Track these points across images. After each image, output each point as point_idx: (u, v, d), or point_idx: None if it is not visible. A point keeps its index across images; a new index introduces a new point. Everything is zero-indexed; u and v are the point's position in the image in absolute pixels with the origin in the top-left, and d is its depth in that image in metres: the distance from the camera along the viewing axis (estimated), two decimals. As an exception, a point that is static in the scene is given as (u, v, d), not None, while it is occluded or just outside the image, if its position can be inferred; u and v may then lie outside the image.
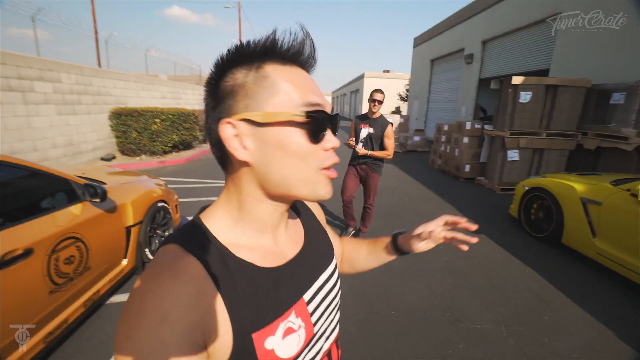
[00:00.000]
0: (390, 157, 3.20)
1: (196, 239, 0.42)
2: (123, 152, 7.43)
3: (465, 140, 6.61)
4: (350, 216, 3.54)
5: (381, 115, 3.25)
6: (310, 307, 0.49)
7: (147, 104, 8.59)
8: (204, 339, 0.37)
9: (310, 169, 0.42)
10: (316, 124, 0.41)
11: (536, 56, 8.29)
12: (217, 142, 0.43)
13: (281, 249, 0.49)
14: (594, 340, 2.13)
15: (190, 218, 0.47)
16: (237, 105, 0.41)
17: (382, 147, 3.22)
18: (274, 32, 0.41)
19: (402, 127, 10.74)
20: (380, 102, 3.15)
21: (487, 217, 4.58)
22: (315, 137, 0.42)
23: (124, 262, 2.50)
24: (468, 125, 6.61)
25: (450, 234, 0.63)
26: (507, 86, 5.69)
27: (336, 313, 0.57)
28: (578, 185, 3.32)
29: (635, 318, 2.37)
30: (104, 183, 2.54)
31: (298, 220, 0.57)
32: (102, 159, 6.96)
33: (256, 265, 0.44)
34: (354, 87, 36.20)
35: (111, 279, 2.32)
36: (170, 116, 7.63)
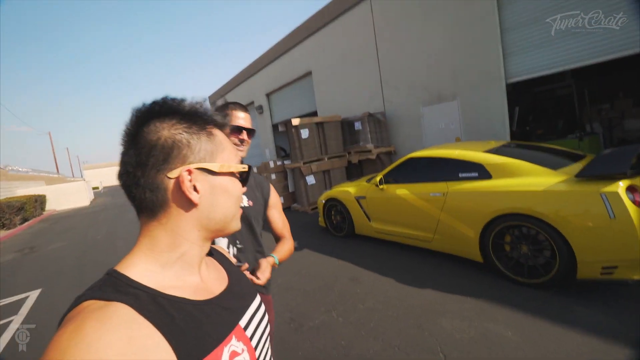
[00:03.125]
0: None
1: (116, 288, 0.41)
2: None
3: (273, 176, 7.62)
4: None
5: None
6: (248, 332, 0.54)
7: None
8: None
9: (238, 206, 0.55)
10: (246, 174, 0.56)
11: (307, 101, 10.73)
12: (157, 188, 0.46)
13: (207, 285, 0.52)
14: (390, 291, 3.02)
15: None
16: (192, 156, 0.48)
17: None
18: (224, 105, 0.50)
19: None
20: (253, 133, 1.34)
21: (304, 233, 5.45)
22: (244, 183, 0.56)
23: None
24: (272, 164, 7.66)
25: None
26: (290, 127, 7.10)
27: (268, 338, 0.62)
28: (351, 188, 4.58)
29: (415, 271, 3.53)
30: None
31: (214, 260, 0.62)
32: None
33: (188, 299, 0.46)
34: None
35: None
36: None
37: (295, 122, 6.94)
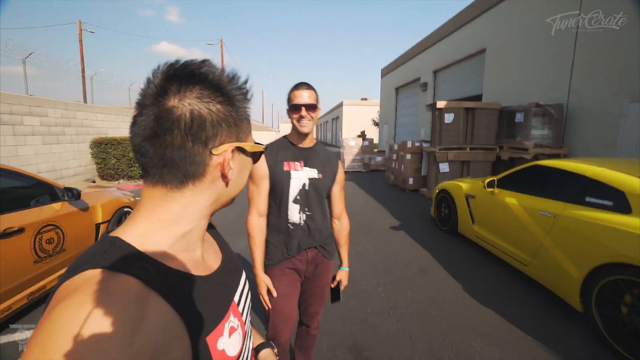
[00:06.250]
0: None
1: (123, 258, 0.39)
2: (102, 177, 8.10)
3: (408, 156, 7.59)
4: None
5: (318, 141, 1.54)
6: (240, 308, 0.55)
7: (128, 134, 9.40)
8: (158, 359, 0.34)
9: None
10: (259, 155, 0.56)
11: (474, 82, 9.58)
12: (197, 161, 0.44)
13: (206, 260, 0.52)
14: (447, 293, 2.91)
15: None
16: (230, 134, 0.47)
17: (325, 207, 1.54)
18: (248, 88, 0.51)
19: (367, 150, 11.77)
20: (314, 108, 1.37)
21: (415, 219, 5.42)
22: (255, 162, 0.56)
23: (93, 252, 3.19)
24: (409, 144, 7.61)
25: None
26: (434, 109, 6.76)
27: (249, 311, 0.63)
28: (464, 185, 4.21)
29: (493, 288, 3.18)
30: (80, 190, 3.27)
31: (208, 234, 0.62)
32: (85, 181, 7.60)
33: (191, 274, 0.46)
34: (334, 115, 37.97)
35: (81, 263, 3.00)
36: (148, 143, 8.55)
37: (441, 104, 6.55)
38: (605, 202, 2.37)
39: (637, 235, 2.04)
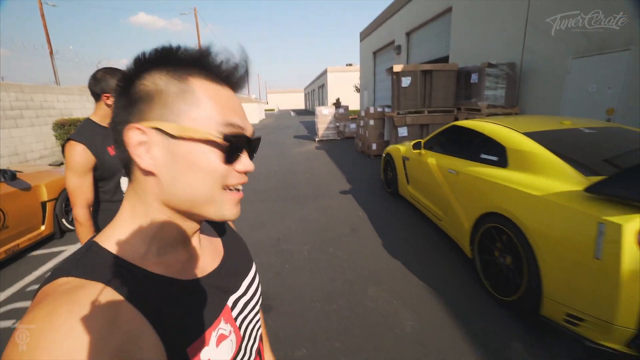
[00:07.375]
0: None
1: (96, 264, 0.37)
2: (72, 158, 8.17)
3: (371, 122, 7.69)
4: None
5: None
6: (234, 312, 0.50)
7: (95, 113, 9.29)
8: None
9: (217, 188, 0.41)
10: (232, 146, 0.41)
11: (443, 44, 9.45)
12: (121, 145, 0.40)
13: (197, 262, 0.47)
14: (366, 249, 3.20)
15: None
16: (151, 111, 0.39)
17: None
18: (208, 47, 0.41)
19: (341, 117, 11.78)
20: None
21: (367, 183, 5.66)
22: (229, 159, 0.41)
23: (42, 227, 3.41)
24: (372, 110, 7.68)
25: None
26: (392, 73, 6.77)
27: (257, 313, 0.58)
28: (403, 148, 4.39)
29: (409, 242, 3.47)
30: (20, 171, 3.41)
31: (213, 231, 0.56)
32: (50, 165, 7.69)
33: (175, 279, 0.42)
34: (320, 83, 37.14)
35: (30, 238, 3.23)
36: (115, 122, 8.53)
37: (398, 68, 6.55)
38: (493, 158, 2.58)
39: (504, 186, 2.27)
